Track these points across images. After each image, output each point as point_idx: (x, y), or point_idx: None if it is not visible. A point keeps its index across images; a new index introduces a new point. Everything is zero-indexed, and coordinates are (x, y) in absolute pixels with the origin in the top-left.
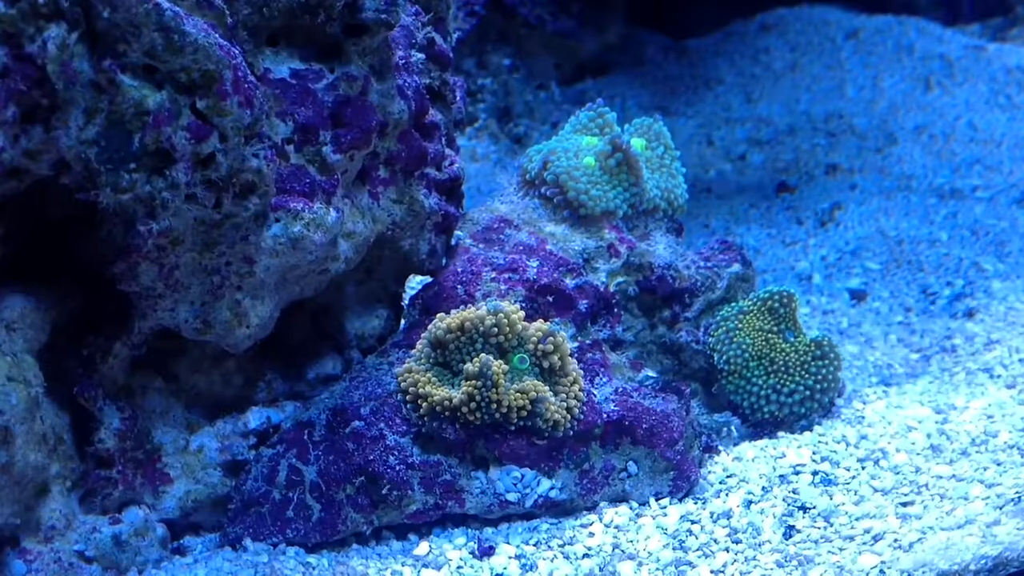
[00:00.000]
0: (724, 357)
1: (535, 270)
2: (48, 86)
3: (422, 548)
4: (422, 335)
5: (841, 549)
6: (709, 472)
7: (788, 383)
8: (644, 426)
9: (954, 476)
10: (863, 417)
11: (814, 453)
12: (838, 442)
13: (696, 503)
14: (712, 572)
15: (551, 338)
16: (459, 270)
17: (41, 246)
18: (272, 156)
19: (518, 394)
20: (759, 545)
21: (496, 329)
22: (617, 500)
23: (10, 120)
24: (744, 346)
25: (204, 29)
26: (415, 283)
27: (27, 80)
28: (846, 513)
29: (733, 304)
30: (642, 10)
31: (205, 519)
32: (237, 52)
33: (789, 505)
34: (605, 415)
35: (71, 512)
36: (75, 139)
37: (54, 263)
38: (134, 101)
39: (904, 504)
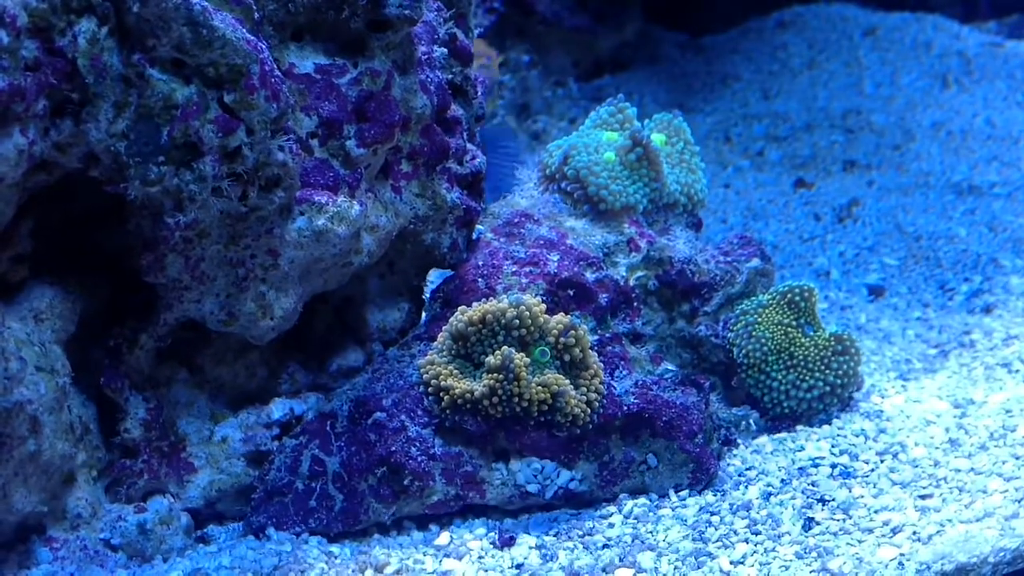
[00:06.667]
0: (743, 351)
1: (556, 264)
2: (78, 80)
3: (443, 538)
4: (444, 328)
5: (860, 541)
6: (728, 465)
7: (808, 378)
8: (664, 419)
9: (972, 470)
10: (881, 411)
11: (833, 446)
12: (857, 435)
13: (715, 495)
14: (732, 563)
15: (573, 331)
16: (480, 264)
17: (69, 238)
18: (297, 150)
19: (540, 387)
20: (778, 536)
21: (518, 322)
22: (637, 492)
23: (41, 113)
24: (763, 340)
25: (232, 24)
26: (435, 277)
27: (58, 74)
28: (865, 506)
29: (752, 298)
30: (659, 7)
31: (229, 508)
32: (264, 47)
33: (808, 497)
34: (625, 408)
35: (97, 501)
36: (105, 132)
37: (82, 255)
38: (163, 95)
39: (923, 497)
